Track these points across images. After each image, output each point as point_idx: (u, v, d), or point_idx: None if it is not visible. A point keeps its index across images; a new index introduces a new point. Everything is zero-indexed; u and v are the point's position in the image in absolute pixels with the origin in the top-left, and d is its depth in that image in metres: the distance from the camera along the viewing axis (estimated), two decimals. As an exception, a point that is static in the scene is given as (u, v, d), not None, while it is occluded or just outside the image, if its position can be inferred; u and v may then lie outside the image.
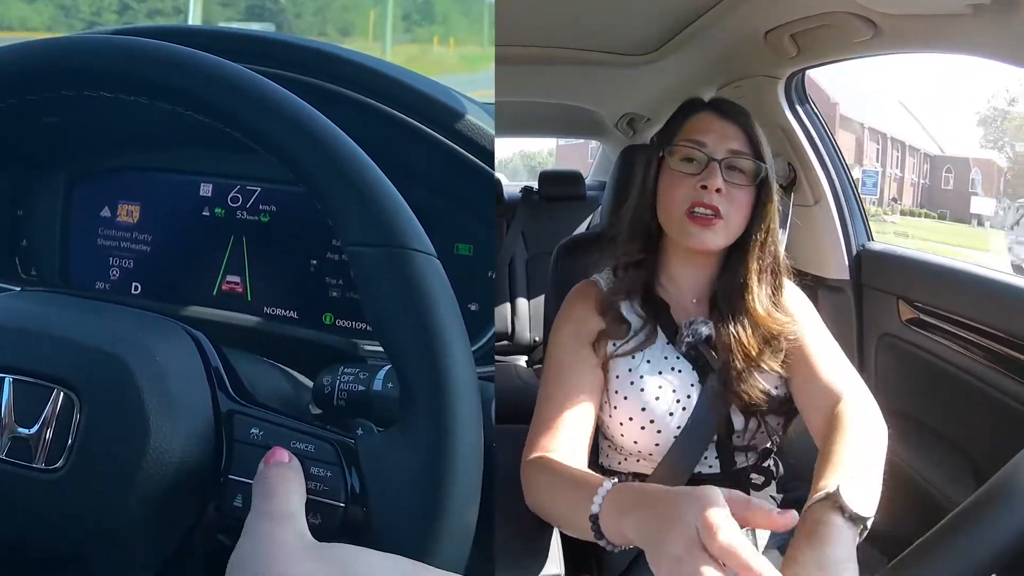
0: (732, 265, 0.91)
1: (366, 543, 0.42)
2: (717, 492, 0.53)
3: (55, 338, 0.45)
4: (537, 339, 2.39)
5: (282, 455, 0.43)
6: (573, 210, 2.59)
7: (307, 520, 0.42)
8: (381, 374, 0.61)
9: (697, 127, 0.91)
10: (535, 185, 2.69)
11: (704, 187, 0.86)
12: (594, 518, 0.65)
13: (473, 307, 0.78)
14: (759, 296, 0.89)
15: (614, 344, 0.90)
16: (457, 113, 0.74)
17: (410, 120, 0.73)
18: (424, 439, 0.41)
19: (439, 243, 0.78)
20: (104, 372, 0.44)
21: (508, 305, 2.44)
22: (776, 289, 0.92)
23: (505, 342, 2.40)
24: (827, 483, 0.66)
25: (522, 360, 2.33)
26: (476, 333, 0.76)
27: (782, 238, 1.29)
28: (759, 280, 0.90)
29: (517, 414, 0.98)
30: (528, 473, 0.83)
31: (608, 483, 0.66)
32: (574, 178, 2.72)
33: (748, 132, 0.90)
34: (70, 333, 0.45)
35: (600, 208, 1.68)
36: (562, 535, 0.87)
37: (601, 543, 0.66)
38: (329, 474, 0.44)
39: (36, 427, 0.43)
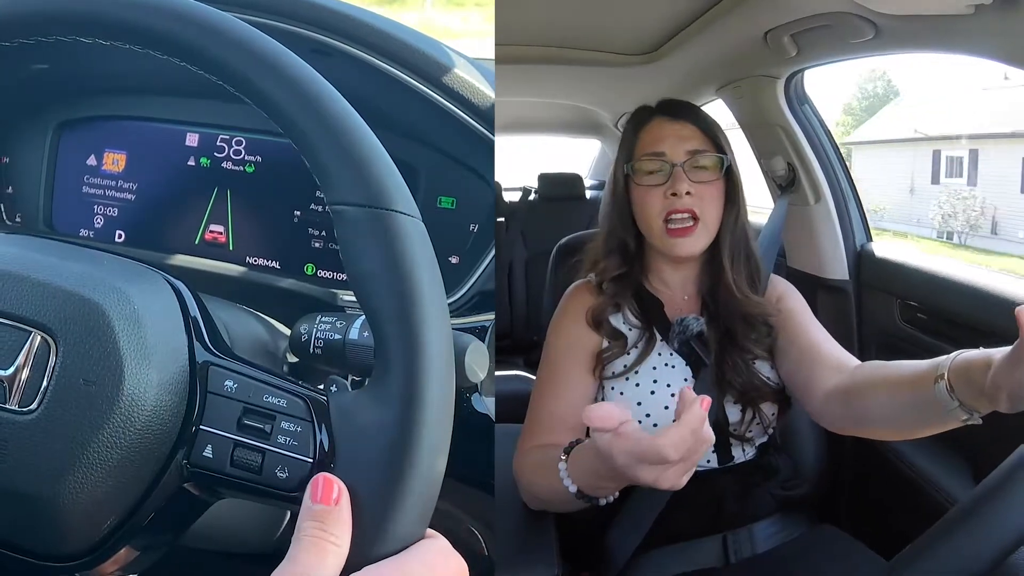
0: (712, 257, 0.93)
1: None
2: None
3: (33, 281, 0.45)
4: (536, 338, 2.38)
5: (326, 490, 0.40)
6: (572, 210, 2.59)
7: (275, 474, 0.43)
8: (358, 323, 0.62)
9: (652, 137, 0.92)
10: (535, 185, 2.69)
11: (674, 194, 0.88)
12: (579, 494, 0.70)
13: (453, 260, 0.79)
14: (736, 281, 0.91)
15: (616, 366, 0.91)
16: (449, 69, 0.74)
17: (401, 74, 0.74)
18: (394, 401, 0.41)
19: (422, 196, 0.79)
20: (81, 317, 0.44)
21: (507, 304, 2.44)
22: (753, 274, 0.94)
23: (504, 341, 2.40)
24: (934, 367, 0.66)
25: (521, 360, 2.33)
26: (454, 285, 0.77)
27: (779, 239, 1.30)
28: (734, 266, 0.92)
29: (517, 415, 0.98)
30: (518, 473, 0.86)
31: (561, 464, 0.71)
32: (573, 179, 2.73)
33: (702, 127, 0.92)
34: (48, 277, 0.45)
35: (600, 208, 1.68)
36: (561, 534, 0.87)
37: (600, 503, 0.71)
38: (299, 429, 0.44)
39: (11, 369, 0.43)
